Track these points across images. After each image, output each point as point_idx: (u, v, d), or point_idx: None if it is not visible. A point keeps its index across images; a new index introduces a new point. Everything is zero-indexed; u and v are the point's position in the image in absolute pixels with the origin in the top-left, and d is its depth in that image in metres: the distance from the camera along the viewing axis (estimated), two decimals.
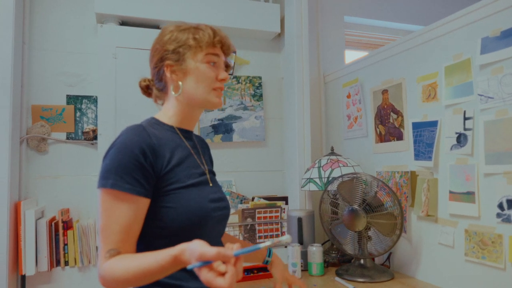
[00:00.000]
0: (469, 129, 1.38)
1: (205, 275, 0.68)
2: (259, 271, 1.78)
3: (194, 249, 0.71)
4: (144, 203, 0.89)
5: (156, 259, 0.77)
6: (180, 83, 1.01)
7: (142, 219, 0.90)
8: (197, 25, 1.04)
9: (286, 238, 0.72)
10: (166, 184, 0.92)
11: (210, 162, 1.22)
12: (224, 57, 1.07)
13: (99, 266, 0.84)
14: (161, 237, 0.92)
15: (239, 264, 0.72)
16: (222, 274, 0.69)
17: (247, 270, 1.78)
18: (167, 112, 1.05)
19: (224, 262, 0.70)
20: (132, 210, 0.87)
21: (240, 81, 2.25)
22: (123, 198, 0.86)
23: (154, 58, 1.05)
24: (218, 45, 1.04)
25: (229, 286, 0.68)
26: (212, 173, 1.13)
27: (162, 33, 1.04)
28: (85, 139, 1.95)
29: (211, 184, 1.05)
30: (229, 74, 2.21)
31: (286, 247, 0.64)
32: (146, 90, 1.11)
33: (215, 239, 1.04)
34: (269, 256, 1.25)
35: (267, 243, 0.73)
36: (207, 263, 0.69)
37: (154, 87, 1.08)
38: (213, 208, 0.99)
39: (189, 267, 0.72)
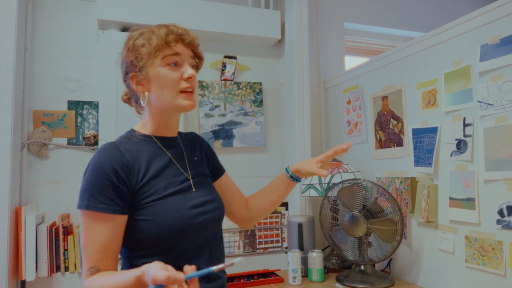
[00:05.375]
0: (469, 136, 1.39)
1: None
2: (260, 277, 1.78)
3: (149, 272, 0.72)
4: (121, 220, 0.91)
5: (123, 279, 0.80)
6: (146, 93, 0.98)
7: (121, 236, 0.92)
8: (152, 27, 0.99)
9: (238, 260, 0.74)
10: (143, 197, 0.93)
11: (206, 160, 1.16)
12: (190, 52, 1.00)
13: (82, 283, 0.88)
14: (142, 248, 0.94)
15: (192, 286, 0.73)
16: None
17: (248, 276, 1.78)
18: (145, 122, 1.04)
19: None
20: (109, 228, 0.89)
21: (240, 87, 2.26)
22: (99, 217, 0.88)
23: (122, 72, 1.02)
24: (175, 43, 0.96)
25: None
26: (201, 175, 1.08)
27: (125, 43, 1.00)
28: (86, 144, 1.95)
29: (194, 189, 1.01)
30: (230, 80, 2.24)
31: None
32: (130, 103, 1.09)
33: (207, 242, 1.01)
34: (287, 171, 1.17)
35: (220, 266, 0.75)
36: (161, 286, 0.70)
37: (132, 99, 1.07)
38: (194, 214, 0.97)
39: None
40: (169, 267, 0.74)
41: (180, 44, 0.98)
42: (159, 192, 0.94)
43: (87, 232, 0.89)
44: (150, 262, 0.87)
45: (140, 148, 0.98)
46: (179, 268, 0.79)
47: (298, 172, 1.16)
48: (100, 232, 0.88)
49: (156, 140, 1.02)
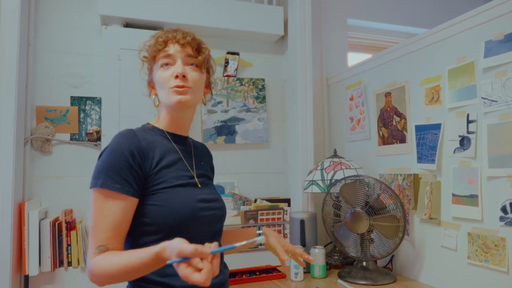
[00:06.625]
0: (472, 132, 1.38)
1: (183, 270, 0.72)
2: (261, 272, 1.78)
3: (174, 246, 0.74)
4: (132, 202, 0.94)
5: (140, 256, 0.81)
6: (155, 96, 1.08)
7: (131, 218, 0.95)
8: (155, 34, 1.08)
9: (260, 238, 0.77)
10: (154, 184, 0.97)
11: (209, 168, 1.23)
12: (189, 51, 1.03)
13: (88, 261, 0.90)
14: (148, 234, 0.96)
15: (215, 261, 0.75)
16: (199, 270, 0.72)
17: (250, 272, 1.78)
18: (159, 118, 1.11)
19: (201, 259, 0.73)
20: (121, 208, 0.92)
21: (243, 83, 2.25)
22: (113, 196, 0.91)
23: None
24: (164, 45, 1.03)
25: (204, 281, 0.70)
26: (206, 177, 1.13)
27: None
28: (89, 140, 1.95)
29: (199, 185, 1.06)
30: (233, 76, 2.24)
31: (260, 245, 0.77)
32: None
33: (208, 238, 1.03)
34: (259, 229, 1.22)
35: (243, 242, 0.78)
36: (185, 259, 0.73)
37: None
38: (201, 207, 1.00)
39: (168, 262, 0.76)
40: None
41: (173, 45, 1.03)
42: (170, 181, 0.98)
43: (99, 211, 0.91)
44: None
45: (155, 139, 1.03)
46: None
47: (266, 237, 1.13)
48: (113, 211, 0.91)
49: (168, 136, 1.08)
